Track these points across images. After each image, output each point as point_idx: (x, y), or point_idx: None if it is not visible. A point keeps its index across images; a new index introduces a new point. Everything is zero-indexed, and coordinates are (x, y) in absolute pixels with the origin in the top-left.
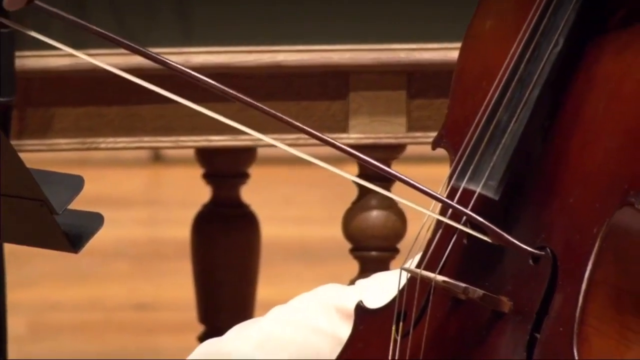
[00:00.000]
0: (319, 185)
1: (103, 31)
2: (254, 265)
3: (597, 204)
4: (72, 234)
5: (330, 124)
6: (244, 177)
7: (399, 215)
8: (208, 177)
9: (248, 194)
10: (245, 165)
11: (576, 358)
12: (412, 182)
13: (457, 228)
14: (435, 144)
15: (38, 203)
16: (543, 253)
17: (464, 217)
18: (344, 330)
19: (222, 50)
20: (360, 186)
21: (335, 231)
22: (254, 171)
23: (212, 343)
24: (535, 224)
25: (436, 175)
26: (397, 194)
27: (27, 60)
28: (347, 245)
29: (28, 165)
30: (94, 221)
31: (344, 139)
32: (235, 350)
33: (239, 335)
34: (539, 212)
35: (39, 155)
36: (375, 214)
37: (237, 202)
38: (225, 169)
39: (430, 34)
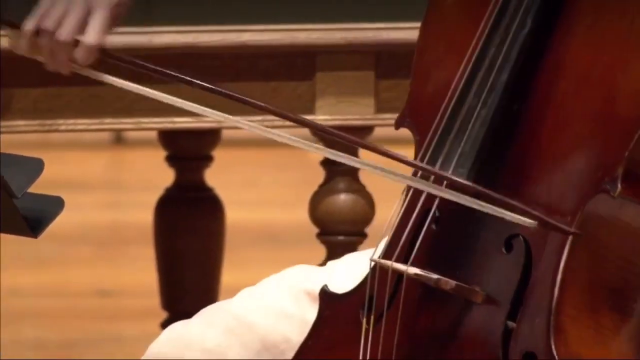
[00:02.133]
0: (285, 168)
1: (173, 72)
2: (218, 250)
3: (571, 192)
4: (32, 218)
5: (297, 105)
6: (207, 159)
7: (367, 199)
8: (171, 159)
9: (212, 177)
10: (209, 147)
11: (553, 349)
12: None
13: (425, 214)
14: (398, 124)
15: None
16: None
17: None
18: (313, 314)
19: (186, 30)
20: (327, 169)
21: (301, 215)
22: (218, 153)
23: (177, 328)
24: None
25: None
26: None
27: None
28: (314, 230)
29: None
30: (54, 205)
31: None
32: (201, 335)
33: (206, 319)
34: (511, 196)
35: None
36: (342, 198)
37: (201, 186)
38: (189, 152)
39: (399, 14)
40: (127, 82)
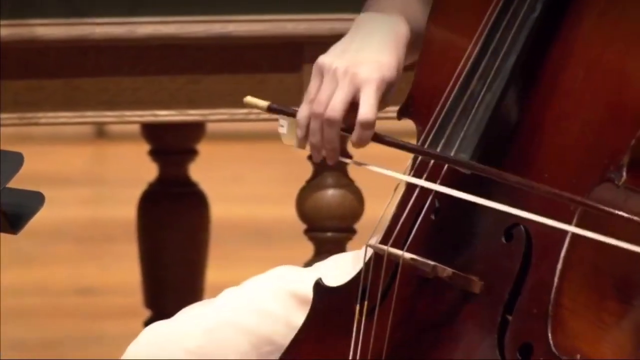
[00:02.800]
0: (271, 163)
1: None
2: (203, 247)
3: (575, 180)
4: (11, 214)
5: (284, 98)
6: (192, 153)
7: (356, 194)
8: (154, 154)
9: (197, 171)
10: (193, 141)
11: (550, 340)
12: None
13: (424, 204)
14: (401, 113)
15: None
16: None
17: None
18: (298, 316)
19: (170, 20)
20: (314, 163)
21: (288, 211)
22: (203, 147)
23: (157, 328)
24: (508, 199)
25: (396, 151)
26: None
27: None
28: (302, 226)
29: None
30: (34, 200)
31: None
32: (183, 334)
33: (188, 318)
34: (513, 188)
35: None
36: (331, 193)
37: (185, 180)
38: (173, 146)
39: None
40: (398, 173)
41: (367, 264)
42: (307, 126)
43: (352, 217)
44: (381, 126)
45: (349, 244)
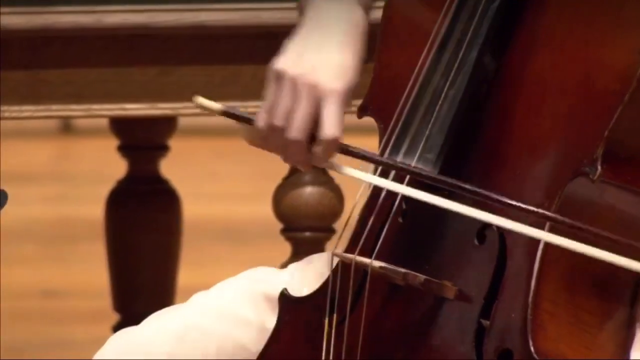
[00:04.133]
0: (246, 159)
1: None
2: (174, 248)
3: (547, 175)
4: None
5: (259, 90)
6: (163, 149)
7: (336, 192)
8: (123, 149)
9: (168, 168)
10: (164, 136)
11: (531, 345)
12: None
13: (390, 206)
14: (361, 112)
15: None
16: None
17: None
18: (272, 321)
19: (139, 9)
20: None
21: (264, 209)
22: (174, 143)
23: (126, 333)
24: (479, 200)
25: (365, 146)
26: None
27: None
28: (278, 225)
29: None
30: None
31: None
32: (152, 341)
33: (157, 325)
34: (483, 187)
35: None
36: (309, 191)
37: (156, 177)
38: (143, 141)
39: None
40: (375, 177)
41: (334, 273)
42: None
43: (331, 216)
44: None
45: (328, 244)
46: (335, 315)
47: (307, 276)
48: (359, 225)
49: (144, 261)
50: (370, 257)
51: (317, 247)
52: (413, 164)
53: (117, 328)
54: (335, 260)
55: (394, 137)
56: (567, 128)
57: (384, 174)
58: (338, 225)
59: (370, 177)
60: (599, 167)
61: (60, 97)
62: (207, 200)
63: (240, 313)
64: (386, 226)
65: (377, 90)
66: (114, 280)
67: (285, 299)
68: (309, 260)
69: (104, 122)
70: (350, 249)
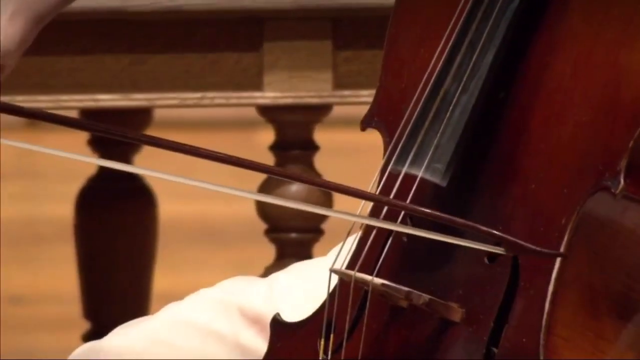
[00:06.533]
0: (227, 153)
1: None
2: (149, 250)
3: (566, 190)
4: None
5: (241, 80)
6: (137, 144)
7: (324, 190)
8: (94, 144)
9: (142, 164)
10: (138, 129)
11: None
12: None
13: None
14: (364, 124)
15: None
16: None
17: (402, 213)
18: (247, 336)
19: None
20: (277, 154)
21: (247, 209)
22: None
23: (90, 347)
24: (490, 215)
25: (367, 142)
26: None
27: None
28: (262, 226)
29: None
30: None
31: (258, 97)
32: (118, 356)
33: (124, 338)
34: (496, 201)
35: None
36: (295, 188)
37: (129, 175)
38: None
39: None
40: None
41: (331, 293)
42: None
43: (319, 216)
44: (341, 113)
45: (316, 246)
46: (331, 341)
47: (292, 293)
48: (360, 243)
49: (116, 265)
50: (371, 275)
51: (303, 249)
52: (420, 174)
53: (87, 337)
54: (334, 279)
55: (400, 145)
56: (588, 138)
57: (384, 191)
58: (326, 225)
59: (365, 219)
60: (622, 181)
61: (25, 88)
62: (185, 199)
63: (212, 326)
64: (389, 243)
65: (383, 101)
66: (84, 285)
67: (277, 324)
68: (292, 270)
69: (74, 114)
70: (350, 266)
